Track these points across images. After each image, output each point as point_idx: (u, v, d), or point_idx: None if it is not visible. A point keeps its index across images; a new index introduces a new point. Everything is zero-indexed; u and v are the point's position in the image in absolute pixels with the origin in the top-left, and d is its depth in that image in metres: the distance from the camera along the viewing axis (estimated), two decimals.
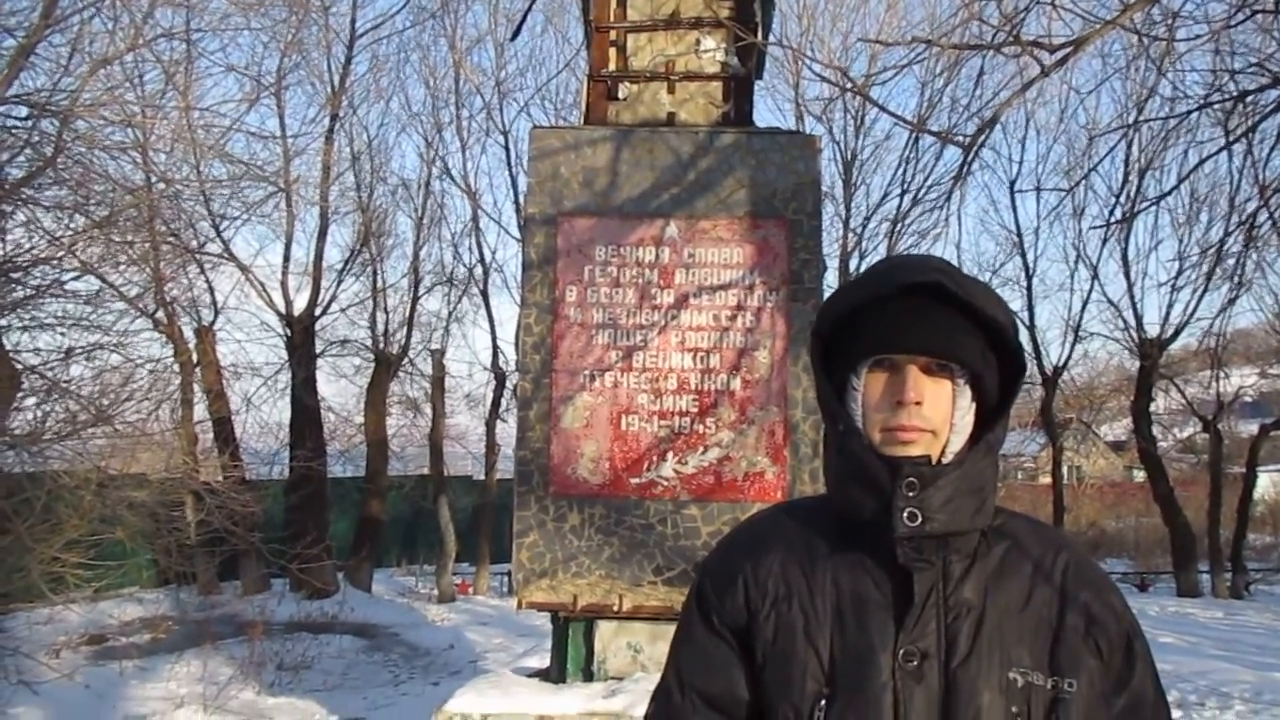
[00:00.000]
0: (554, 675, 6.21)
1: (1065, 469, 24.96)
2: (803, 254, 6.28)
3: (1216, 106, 6.93)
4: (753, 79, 6.99)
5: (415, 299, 18.14)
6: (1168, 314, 17.70)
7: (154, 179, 10.73)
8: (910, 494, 1.25)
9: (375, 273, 17.61)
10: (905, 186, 17.75)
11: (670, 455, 6.12)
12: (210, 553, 13.87)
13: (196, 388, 15.10)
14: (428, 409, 19.05)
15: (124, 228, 9.33)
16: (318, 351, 16.83)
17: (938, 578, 1.28)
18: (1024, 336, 18.81)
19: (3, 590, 8.63)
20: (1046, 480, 27.46)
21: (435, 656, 11.97)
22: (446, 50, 18.69)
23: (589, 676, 6.01)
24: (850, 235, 18.21)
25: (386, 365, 17.60)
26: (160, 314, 13.82)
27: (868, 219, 18.46)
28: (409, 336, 18.11)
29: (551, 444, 6.16)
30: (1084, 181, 16.47)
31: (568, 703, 5.53)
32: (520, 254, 6.84)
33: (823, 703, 1.26)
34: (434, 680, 10.45)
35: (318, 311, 16.49)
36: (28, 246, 8.50)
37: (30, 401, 8.68)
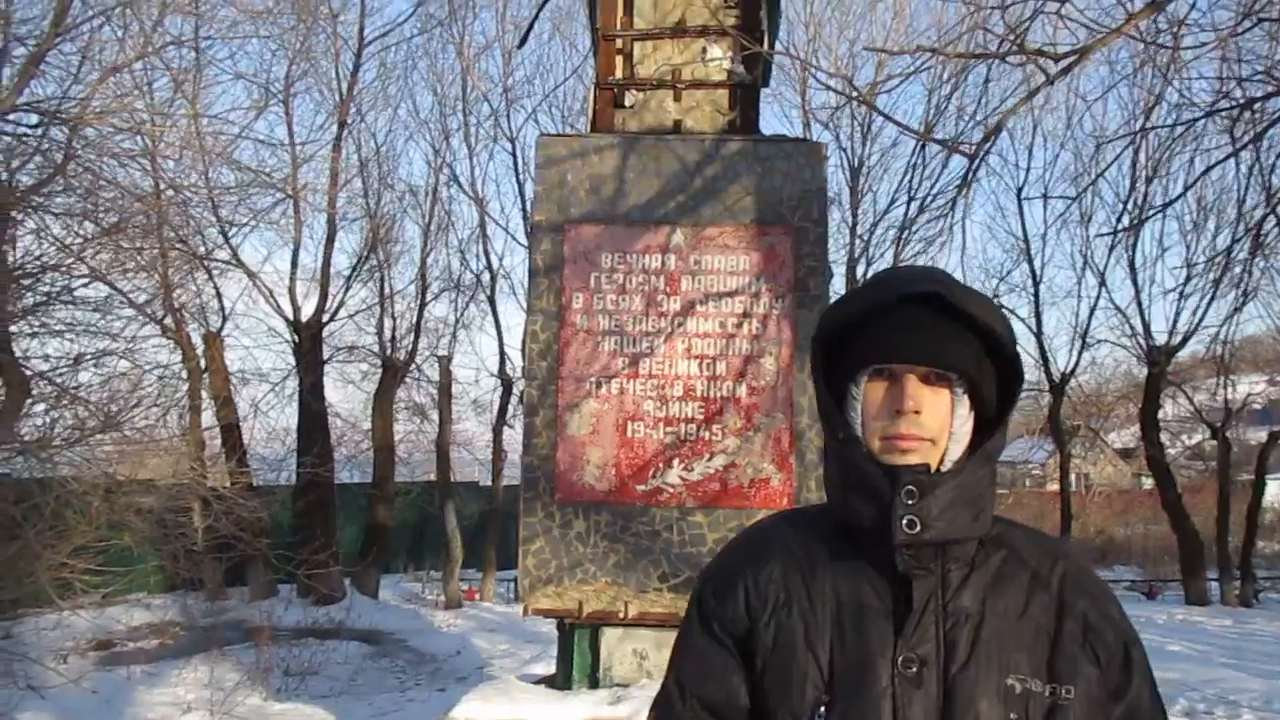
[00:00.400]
0: (560, 682, 6.22)
1: (1073, 476, 24.91)
2: (809, 261, 6.29)
3: (1223, 114, 6.93)
4: (759, 87, 7.00)
5: (422, 305, 18.19)
6: (1175, 321, 17.68)
7: (163, 186, 10.79)
8: (909, 502, 1.26)
9: (383, 279, 17.68)
10: (912, 194, 17.76)
11: (676, 462, 6.13)
12: (217, 558, 13.91)
13: (204, 394, 15.16)
14: (434, 415, 19.06)
15: (133, 234, 9.37)
16: (325, 357, 16.89)
17: (936, 585, 1.29)
18: (1031, 343, 18.85)
19: (11, 596, 8.66)
20: (1054, 487, 27.37)
21: (442, 663, 11.98)
22: (454, 57, 18.81)
23: (595, 683, 6.01)
24: (857, 242, 18.23)
25: (394, 371, 17.63)
26: (169, 320, 13.88)
27: (875, 225, 18.47)
28: (416, 343, 18.16)
29: (558, 450, 6.18)
30: (1091, 188, 16.46)
31: (573, 709, 5.53)
32: (527, 260, 6.86)
33: (822, 709, 1.28)
34: (440, 687, 10.45)
35: (325, 318, 16.55)
36: (37, 253, 8.55)
37: (39, 408, 8.73)
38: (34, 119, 8.23)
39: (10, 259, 8.29)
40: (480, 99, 18.92)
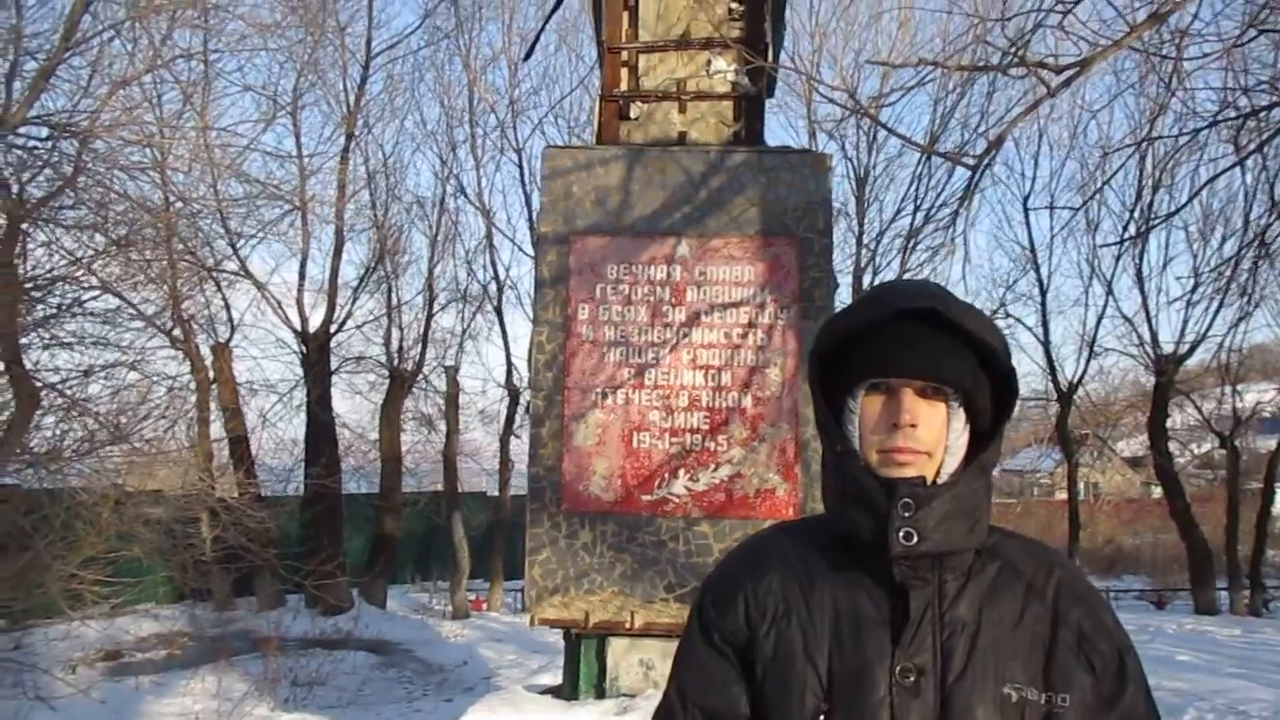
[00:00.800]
0: (567, 692, 6.23)
1: (1081, 485, 24.82)
2: (814, 272, 6.31)
3: (1228, 123, 6.94)
4: (763, 98, 7.03)
5: (430, 316, 18.27)
6: (1183, 329, 17.62)
7: (172, 198, 10.89)
8: (906, 514, 1.28)
9: (390, 290, 17.76)
10: (918, 204, 17.75)
11: (682, 472, 6.15)
12: (226, 569, 13.93)
13: (213, 405, 15.24)
14: (442, 425, 19.11)
15: (142, 246, 9.43)
16: (333, 368, 16.95)
17: (933, 595, 1.31)
18: (1038, 352, 18.84)
19: (21, 606, 8.70)
20: (1063, 496, 27.26)
21: (449, 673, 11.99)
22: (461, 69, 18.91)
23: (601, 694, 6.02)
24: (864, 252, 18.23)
25: (401, 382, 17.68)
26: (177, 332, 13.95)
27: (881, 235, 18.46)
28: (423, 353, 18.24)
29: (564, 461, 6.20)
30: (1097, 197, 16.45)
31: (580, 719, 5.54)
32: (534, 271, 6.90)
33: (821, 718, 1.30)
34: (447, 697, 10.45)
35: (333, 328, 16.63)
36: (48, 266, 8.63)
37: (49, 420, 8.79)
38: (44, 132, 8.30)
39: (22, 271, 8.35)
40: (487, 110, 19.05)
